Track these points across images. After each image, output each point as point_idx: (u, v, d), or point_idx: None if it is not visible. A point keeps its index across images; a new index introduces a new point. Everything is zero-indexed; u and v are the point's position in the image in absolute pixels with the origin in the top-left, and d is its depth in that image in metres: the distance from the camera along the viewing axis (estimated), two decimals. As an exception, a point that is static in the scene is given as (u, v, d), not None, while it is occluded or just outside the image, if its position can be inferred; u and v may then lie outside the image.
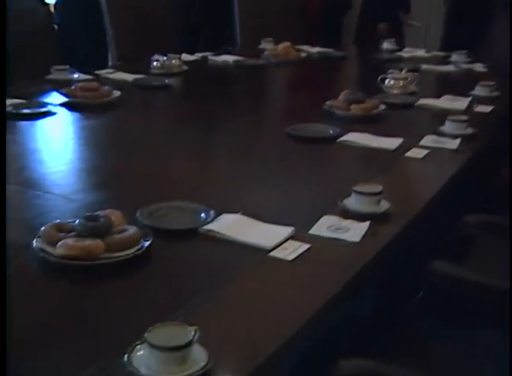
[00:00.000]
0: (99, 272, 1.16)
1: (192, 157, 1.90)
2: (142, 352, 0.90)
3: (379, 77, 2.71)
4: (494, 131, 2.29)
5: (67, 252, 1.15)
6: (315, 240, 1.31)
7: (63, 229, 1.22)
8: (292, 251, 1.26)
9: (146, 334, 0.89)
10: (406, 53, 3.74)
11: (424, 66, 3.28)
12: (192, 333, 0.90)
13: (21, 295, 1.10)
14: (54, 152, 1.95)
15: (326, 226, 1.37)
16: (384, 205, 1.46)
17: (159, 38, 3.41)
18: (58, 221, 1.25)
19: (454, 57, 3.52)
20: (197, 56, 3.31)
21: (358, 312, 1.42)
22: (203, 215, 1.38)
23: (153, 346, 0.88)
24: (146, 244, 1.22)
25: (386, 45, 3.85)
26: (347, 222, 1.40)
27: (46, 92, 2.45)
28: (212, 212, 1.38)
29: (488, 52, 3.61)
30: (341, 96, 2.36)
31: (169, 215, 1.38)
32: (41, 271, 1.17)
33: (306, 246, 1.28)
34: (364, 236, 1.34)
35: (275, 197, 1.59)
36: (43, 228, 1.22)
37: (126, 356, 0.89)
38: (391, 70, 2.78)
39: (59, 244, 1.17)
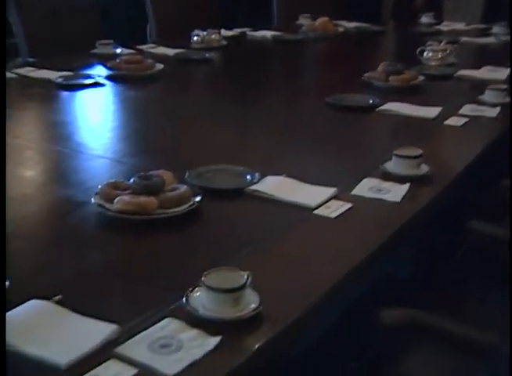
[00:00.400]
0: (152, 226, 1.23)
1: (235, 126, 1.96)
2: (198, 293, 0.97)
3: (418, 50, 2.71)
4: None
5: (124, 207, 1.22)
6: (357, 200, 1.36)
7: (118, 188, 1.30)
8: (335, 209, 1.31)
9: (202, 278, 0.96)
10: (445, 27, 3.73)
11: (464, 39, 3.27)
12: (245, 277, 0.96)
13: (81, 246, 1.18)
14: (102, 120, 2.03)
15: (367, 187, 1.42)
16: (424, 168, 1.50)
17: (198, 14, 3.46)
18: (113, 180, 1.33)
19: (495, 29, 3.50)
20: (236, 31, 3.35)
21: (398, 271, 1.47)
22: (248, 176, 1.44)
23: (209, 288, 0.95)
24: (197, 201, 1.29)
25: (424, 19, 3.84)
26: (388, 184, 1.44)
27: (92, 65, 2.53)
28: (257, 174, 1.44)
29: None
30: (380, 67, 2.39)
31: (216, 177, 1.44)
32: (99, 225, 1.25)
33: (348, 205, 1.33)
34: (404, 197, 1.38)
35: (317, 161, 1.65)
36: (100, 186, 1.30)
37: (184, 298, 0.96)
38: (429, 43, 2.78)
39: (116, 200, 1.24)
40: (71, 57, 2.54)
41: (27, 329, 0.89)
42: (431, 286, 1.43)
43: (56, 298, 0.96)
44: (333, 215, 1.29)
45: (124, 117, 2.09)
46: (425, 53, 2.71)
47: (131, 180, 1.29)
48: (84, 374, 0.82)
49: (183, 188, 1.30)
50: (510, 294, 0.48)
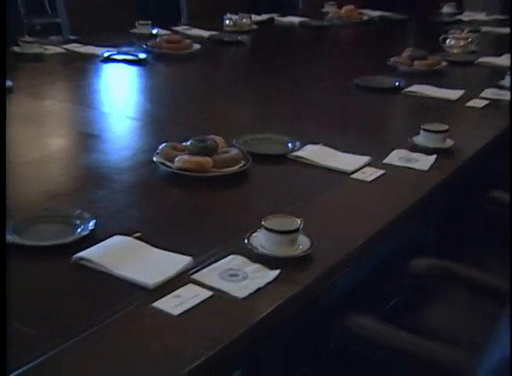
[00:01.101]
0: (208, 183, 1.39)
1: (267, 103, 2.11)
2: (258, 235, 1.12)
3: (440, 37, 2.85)
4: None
5: (184, 165, 1.38)
6: (389, 167, 1.51)
7: (177, 149, 1.45)
8: (370, 174, 1.47)
9: (262, 222, 1.11)
10: (466, 17, 3.85)
11: (484, 28, 3.39)
12: (299, 222, 1.12)
13: (151, 195, 1.35)
14: (146, 93, 2.19)
15: (397, 157, 1.57)
16: (449, 142, 1.65)
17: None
18: (171, 143, 1.48)
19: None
20: (264, 16, 3.48)
21: (422, 237, 1.62)
22: (290, 144, 1.59)
23: (268, 230, 1.10)
24: (246, 163, 1.44)
25: (446, 8, 3.96)
26: (416, 155, 1.59)
27: (133, 43, 2.68)
28: (298, 143, 1.59)
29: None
30: (405, 53, 2.53)
31: (261, 144, 1.60)
32: (162, 180, 1.41)
33: (381, 171, 1.48)
34: (431, 166, 1.53)
35: (349, 135, 1.80)
36: (160, 147, 1.45)
37: (246, 239, 1.12)
38: (452, 31, 2.91)
39: (176, 159, 1.40)
40: (112, 35, 2.69)
41: (116, 257, 1.05)
42: (452, 249, 1.57)
43: (136, 234, 1.12)
44: (369, 179, 1.44)
45: (166, 90, 2.23)
46: (447, 41, 2.84)
47: (188, 142, 1.45)
48: (168, 293, 0.98)
49: (234, 151, 1.45)
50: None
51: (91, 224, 1.14)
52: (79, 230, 1.13)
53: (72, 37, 2.79)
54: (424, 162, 1.55)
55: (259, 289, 1.01)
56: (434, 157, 1.57)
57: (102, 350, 0.88)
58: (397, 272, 1.33)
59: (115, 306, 0.95)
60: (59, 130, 1.82)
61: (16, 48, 2.30)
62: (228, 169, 1.41)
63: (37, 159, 1.54)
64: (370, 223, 1.26)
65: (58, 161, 1.57)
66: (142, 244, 1.10)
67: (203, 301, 0.97)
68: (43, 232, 1.14)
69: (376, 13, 3.80)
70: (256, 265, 1.07)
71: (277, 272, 1.05)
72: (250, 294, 1.00)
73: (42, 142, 1.70)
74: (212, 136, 1.50)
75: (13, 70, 2.14)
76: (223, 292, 0.99)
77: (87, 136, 1.70)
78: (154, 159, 1.43)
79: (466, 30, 2.91)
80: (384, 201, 1.37)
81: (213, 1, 3.52)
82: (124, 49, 2.49)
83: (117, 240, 1.11)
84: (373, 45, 3.15)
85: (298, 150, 1.56)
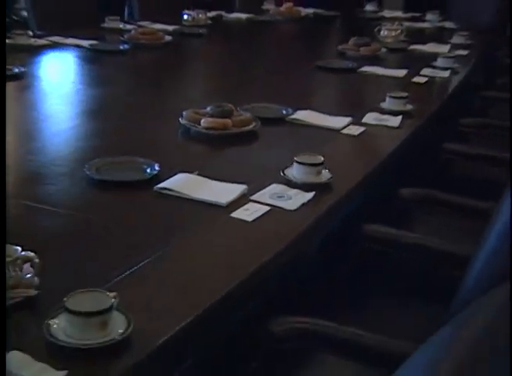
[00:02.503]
0: (228, 139, 1.69)
1: (249, 80, 2.42)
2: (289, 169, 1.43)
3: (376, 29, 3.26)
4: (471, 67, 2.88)
5: (210, 125, 1.67)
6: (367, 126, 1.86)
7: (198, 113, 1.74)
8: (355, 130, 1.81)
9: (295, 158, 1.42)
10: (387, 14, 4.31)
11: (406, 23, 3.85)
12: (322, 158, 1.43)
13: (175, 152, 1.63)
14: (139, 77, 2.46)
15: (372, 118, 1.92)
16: (409, 107, 2.02)
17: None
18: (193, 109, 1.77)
19: (428, 16, 4.11)
20: (212, 13, 3.78)
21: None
22: (284, 111, 1.90)
23: (299, 163, 1.41)
24: (257, 123, 1.74)
25: (369, 6, 4.42)
26: (386, 116, 1.95)
27: (103, 37, 2.91)
28: (290, 109, 1.91)
29: (456, 12, 4.21)
30: (351, 41, 2.91)
31: (261, 110, 1.89)
32: (186, 139, 1.70)
33: (363, 128, 1.83)
34: (400, 124, 1.88)
35: (328, 103, 2.15)
36: (184, 113, 1.73)
37: (282, 171, 1.42)
38: (384, 23, 3.34)
39: (202, 120, 1.68)
40: (82, 30, 2.90)
41: (188, 186, 1.33)
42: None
43: (195, 172, 1.41)
44: (356, 133, 1.79)
45: (156, 73, 2.50)
46: (381, 32, 3.26)
47: (208, 108, 1.73)
48: (238, 208, 1.27)
49: (247, 114, 1.76)
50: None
51: (156, 167, 1.41)
52: (148, 171, 1.40)
53: (39, 32, 2.98)
54: (393, 121, 1.92)
55: (303, 204, 1.32)
56: (400, 117, 1.94)
57: (201, 248, 1.16)
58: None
59: (199, 220, 1.24)
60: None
61: (8, 40, 2.49)
62: (245, 128, 1.71)
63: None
64: (371, 160, 1.61)
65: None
66: (203, 178, 1.39)
67: (266, 213, 1.27)
68: (119, 174, 1.40)
69: (310, 10, 4.19)
70: (295, 190, 1.38)
71: (312, 193, 1.37)
72: (298, 208, 1.31)
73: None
74: (223, 103, 1.79)
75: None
76: (278, 207, 1.30)
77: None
78: (180, 121, 1.72)
79: (396, 23, 3.34)
80: (370, 150, 1.73)
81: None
82: (107, 41, 2.72)
83: (182, 176, 1.39)
84: (320, 35, 3.54)
85: (292, 114, 1.89)
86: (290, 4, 3.85)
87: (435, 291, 1.37)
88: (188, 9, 3.59)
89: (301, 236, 1.22)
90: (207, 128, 1.68)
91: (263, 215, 1.26)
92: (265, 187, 1.36)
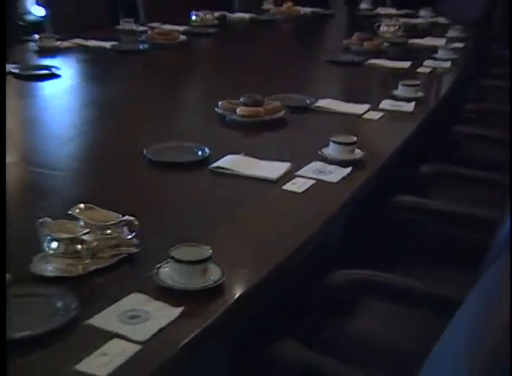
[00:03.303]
0: (261, 126, 1.84)
1: (267, 73, 2.58)
2: (327, 149, 1.59)
3: (376, 24, 3.44)
4: (469, 58, 3.07)
5: (246, 113, 1.83)
6: (385, 111, 2.03)
7: (232, 103, 1.89)
8: (375, 115, 1.98)
9: (331, 138, 1.58)
10: (381, 11, 4.49)
11: (401, 19, 4.04)
12: (355, 138, 1.59)
13: (217, 137, 1.78)
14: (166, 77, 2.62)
15: (387, 104, 2.09)
16: (420, 94, 2.19)
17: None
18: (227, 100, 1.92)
19: (422, 13, 4.30)
20: (216, 13, 3.93)
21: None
22: (308, 100, 2.07)
23: (335, 143, 1.57)
24: (286, 111, 1.90)
25: (363, 5, 4.59)
26: (400, 103, 2.12)
27: (119, 38, 3.05)
28: (312, 98, 2.07)
29: (446, 8, 4.41)
30: (355, 36, 3.08)
31: (288, 100, 2.04)
32: (224, 126, 1.86)
33: (381, 113, 2.00)
34: (415, 108, 2.05)
35: (344, 92, 2.31)
36: (220, 103, 1.89)
37: (319, 151, 1.58)
38: (383, 19, 3.52)
39: (238, 109, 1.84)
40: (100, 31, 3.05)
41: (239, 164, 1.49)
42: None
43: (242, 153, 1.56)
44: (376, 117, 1.96)
45: (180, 70, 2.65)
46: (381, 27, 3.43)
47: (241, 99, 1.89)
48: (286, 183, 1.43)
49: (277, 103, 1.92)
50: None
51: (207, 150, 1.57)
52: (200, 153, 1.56)
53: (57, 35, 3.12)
54: (408, 107, 2.09)
55: (343, 178, 1.48)
56: (413, 103, 2.11)
57: (264, 213, 1.32)
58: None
59: (254, 193, 1.40)
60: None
61: (34, 44, 2.64)
62: (276, 115, 1.87)
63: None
64: (394, 140, 1.77)
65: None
66: (250, 158, 1.55)
67: (312, 185, 1.43)
68: (177, 156, 1.55)
69: (308, 10, 4.36)
70: (333, 166, 1.53)
71: (349, 169, 1.52)
72: (339, 181, 1.46)
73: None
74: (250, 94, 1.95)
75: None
76: (322, 180, 1.46)
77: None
78: (216, 110, 1.87)
79: (394, 19, 3.52)
80: (391, 132, 1.90)
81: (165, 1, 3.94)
82: (127, 42, 2.87)
83: (231, 157, 1.54)
84: (323, 32, 3.72)
85: (315, 103, 2.05)
86: (289, 3, 4.01)
87: (462, 255, 1.54)
88: (195, 9, 3.76)
89: (346, 203, 1.39)
90: (242, 116, 1.84)
91: (310, 186, 1.42)
92: (305, 165, 1.53)
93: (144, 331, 0.89)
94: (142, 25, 3.30)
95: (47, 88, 2.27)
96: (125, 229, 1.09)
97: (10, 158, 1.46)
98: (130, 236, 1.09)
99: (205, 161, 1.53)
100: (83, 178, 1.52)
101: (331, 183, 1.45)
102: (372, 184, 1.55)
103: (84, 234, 1.03)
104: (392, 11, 4.54)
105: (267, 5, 4.25)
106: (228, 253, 1.12)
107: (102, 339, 0.87)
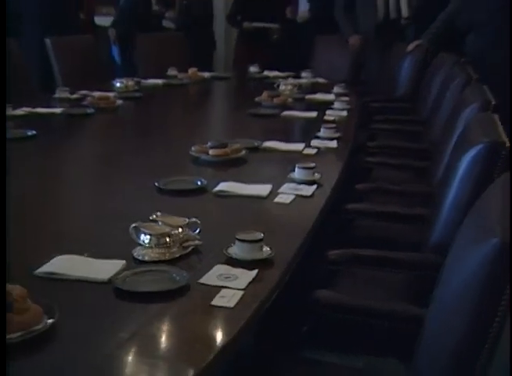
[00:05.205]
0: (228, 163, 2.30)
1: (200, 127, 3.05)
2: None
3: (275, 84, 4.05)
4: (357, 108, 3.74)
5: (217, 153, 2.28)
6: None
7: (202, 147, 2.34)
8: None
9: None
10: (269, 73, 5.17)
11: (290, 80, 4.72)
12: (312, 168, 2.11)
13: (198, 172, 2.21)
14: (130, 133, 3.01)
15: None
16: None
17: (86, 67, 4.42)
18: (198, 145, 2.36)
19: (303, 74, 5.02)
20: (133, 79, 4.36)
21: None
22: (255, 143, 2.56)
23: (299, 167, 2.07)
24: (246, 151, 2.38)
25: (252, 68, 5.25)
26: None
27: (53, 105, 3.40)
28: (259, 141, 2.57)
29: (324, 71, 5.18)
30: (264, 93, 3.66)
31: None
32: (198, 164, 2.29)
33: (315, 149, 2.54)
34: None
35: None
36: (193, 147, 2.33)
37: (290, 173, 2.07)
38: (280, 80, 4.16)
39: (210, 151, 2.29)
40: (35, 101, 3.38)
41: (232, 187, 1.94)
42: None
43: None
44: (313, 152, 2.49)
45: (138, 126, 3.07)
46: (280, 86, 4.05)
47: (209, 143, 2.34)
48: (275, 198, 1.89)
49: (237, 144, 2.39)
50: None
51: (203, 180, 2.00)
52: (199, 183, 1.99)
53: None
54: (331, 143, 2.65)
55: (313, 192, 1.97)
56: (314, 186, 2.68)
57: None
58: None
59: (252, 206, 1.85)
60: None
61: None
62: (239, 154, 2.35)
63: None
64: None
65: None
66: (239, 183, 2.00)
67: (294, 199, 1.91)
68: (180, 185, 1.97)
69: (207, 74, 4.93)
70: (301, 185, 2.02)
71: (315, 186, 2.02)
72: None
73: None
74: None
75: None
76: (299, 195, 1.94)
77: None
78: (191, 153, 2.31)
79: (290, 79, 4.17)
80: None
81: (80, 71, 4.32)
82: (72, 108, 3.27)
83: (225, 183, 1.99)
84: (231, 92, 4.28)
85: (261, 145, 2.55)
86: (194, 69, 4.56)
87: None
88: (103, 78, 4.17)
89: (322, 209, 1.88)
90: (213, 156, 2.29)
91: (293, 199, 1.90)
92: (279, 187, 2.01)
93: (241, 283, 1.31)
94: (74, 93, 3.66)
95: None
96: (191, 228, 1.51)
97: None
98: (196, 232, 1.50)
99: (203, 188, 1.97)
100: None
101: (306, 196, 1.94)
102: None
103: (170, 231, 1.43)
104: (277, 73, 5.26)
105: (171, 72, 4.76)
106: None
107: (215, 290, 1.28)
